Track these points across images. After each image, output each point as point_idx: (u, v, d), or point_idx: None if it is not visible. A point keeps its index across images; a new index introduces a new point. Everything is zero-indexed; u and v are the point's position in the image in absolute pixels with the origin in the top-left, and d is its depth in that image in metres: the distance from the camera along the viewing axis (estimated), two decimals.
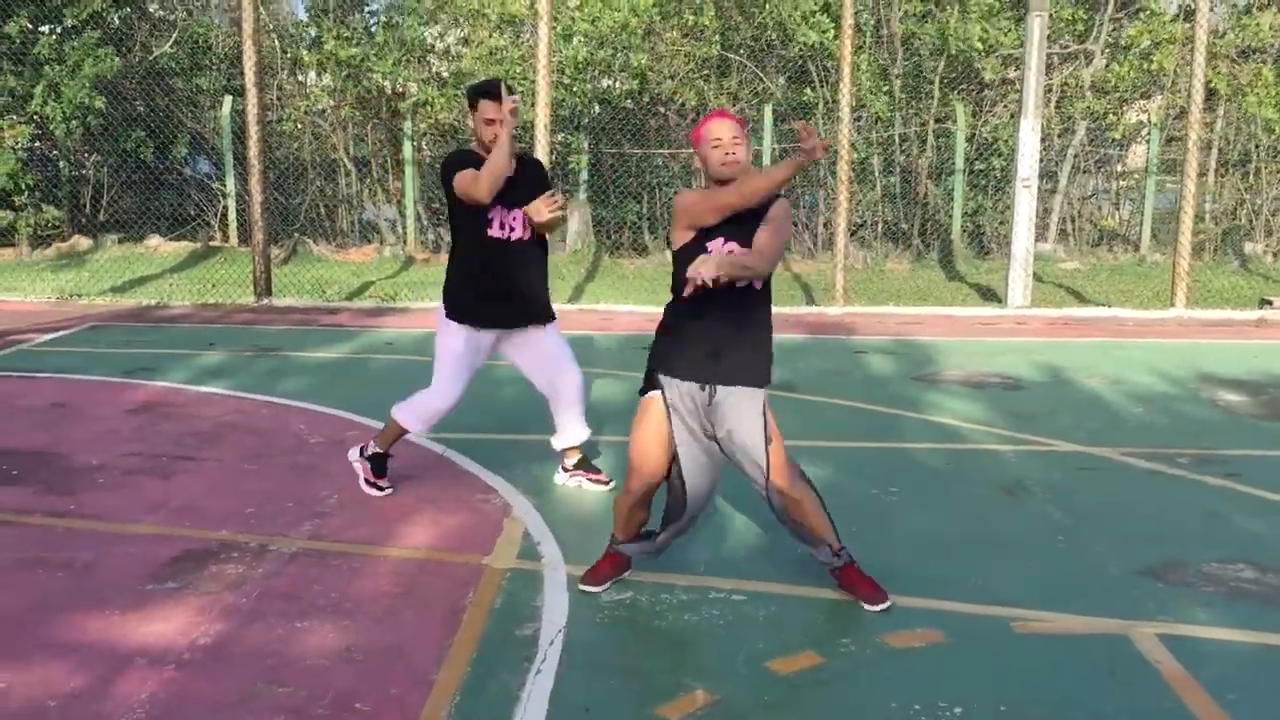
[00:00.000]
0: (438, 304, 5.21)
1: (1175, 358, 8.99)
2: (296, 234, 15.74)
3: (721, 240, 3.94)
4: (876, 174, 15.74)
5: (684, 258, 3.94)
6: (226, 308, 11.36)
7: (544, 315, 5.22)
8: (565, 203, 4.60)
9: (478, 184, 4.81)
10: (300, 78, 16.96)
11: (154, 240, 15.59)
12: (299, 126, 16.23)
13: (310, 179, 16.39)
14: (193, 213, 16.29)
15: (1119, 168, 16.83)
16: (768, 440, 3.92)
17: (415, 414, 5.16)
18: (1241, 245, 15.61)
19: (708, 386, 3.94)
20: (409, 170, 15.69)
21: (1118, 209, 16.89)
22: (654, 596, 4.16)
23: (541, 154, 11.07)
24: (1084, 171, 16.42)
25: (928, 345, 9.56)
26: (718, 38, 15.32)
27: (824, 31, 14.46)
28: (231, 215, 15.77)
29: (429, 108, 15.43)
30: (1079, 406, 7.25)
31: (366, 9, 17.45)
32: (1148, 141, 15.83)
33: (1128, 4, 15.85)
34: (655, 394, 4.01)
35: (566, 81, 14.64)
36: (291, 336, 9.63)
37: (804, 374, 8.20)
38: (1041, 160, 12.86)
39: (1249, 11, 15.65)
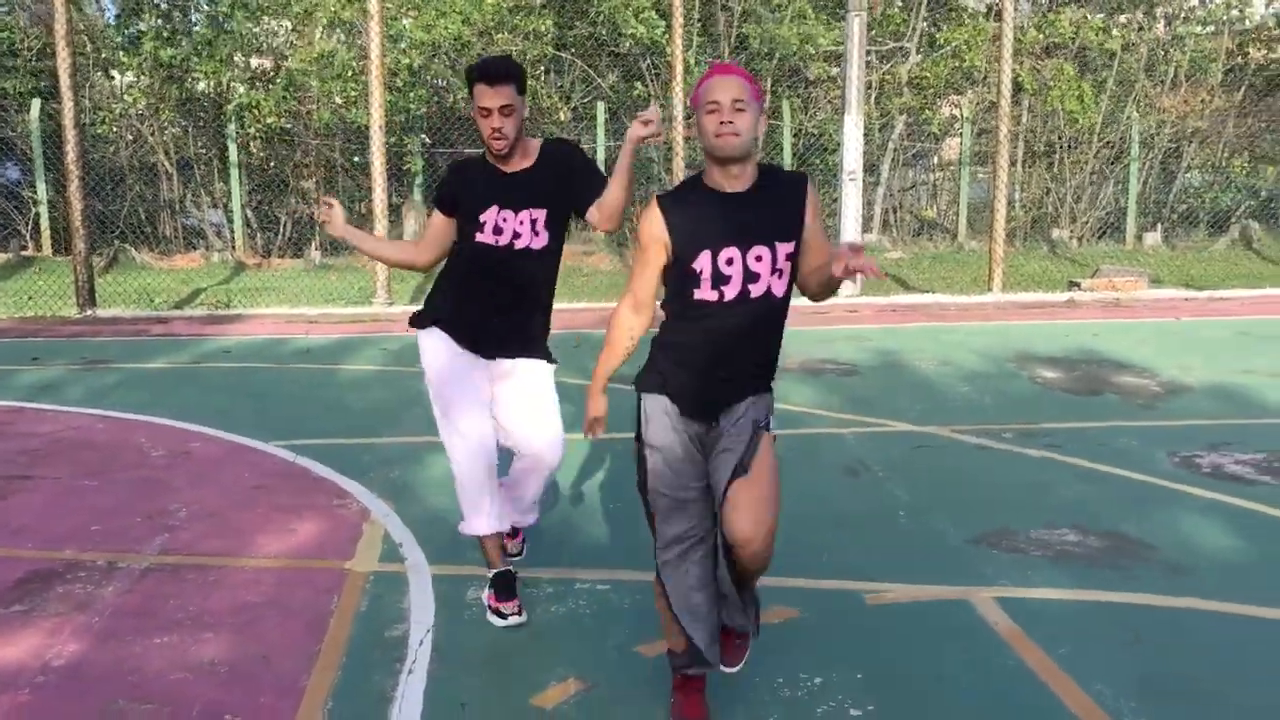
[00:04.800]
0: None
1: (995, 339, 9.50)
2: (117, 241, 15.12)
3: (724, 251, 3.06)
4: None
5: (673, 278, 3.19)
6: (48, 320, 10.85)
7: (539, 351, 4.09)
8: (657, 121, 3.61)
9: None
10: (115, 79, 16.29)
11: None
12: (115, 130, 15.58)
13: (129, 184, 15.76)
14: (1, 222, 15.46)
15: (935, 160, 17.62)
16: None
17: (461, 501, 4.11)
18: (1049, 232, 16.54)
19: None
20: (235, 173, 15.25)
21: (935, 200, 17.69)
22: (520, 591, 4.21)
23: (376, 155, 10.95)
24: (903, 164, 17.14)
25: None
26: (550, 36, 15.38)
27: (654, 27, 14.68)
28: (44, 223, 15.04)
29: (256, 110, 15.02)
30: (911, 388, 7.62)
31: (185, 6, 16.84)
32: (960, 135, 16.61)
33: (940, 3, 16.59)
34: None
35: (400, 85, 14.47)
36: (122, 348, 9.28)
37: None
38: (864, 154, 13.36)
39: (1050, 9, 16.59)
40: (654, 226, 3.11)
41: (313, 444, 6.13)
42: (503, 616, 3.99)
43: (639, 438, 3.22)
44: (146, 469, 5.79)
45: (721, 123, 3.00)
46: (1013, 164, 15.54)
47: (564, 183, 3.97)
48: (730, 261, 3.05)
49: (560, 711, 3.38)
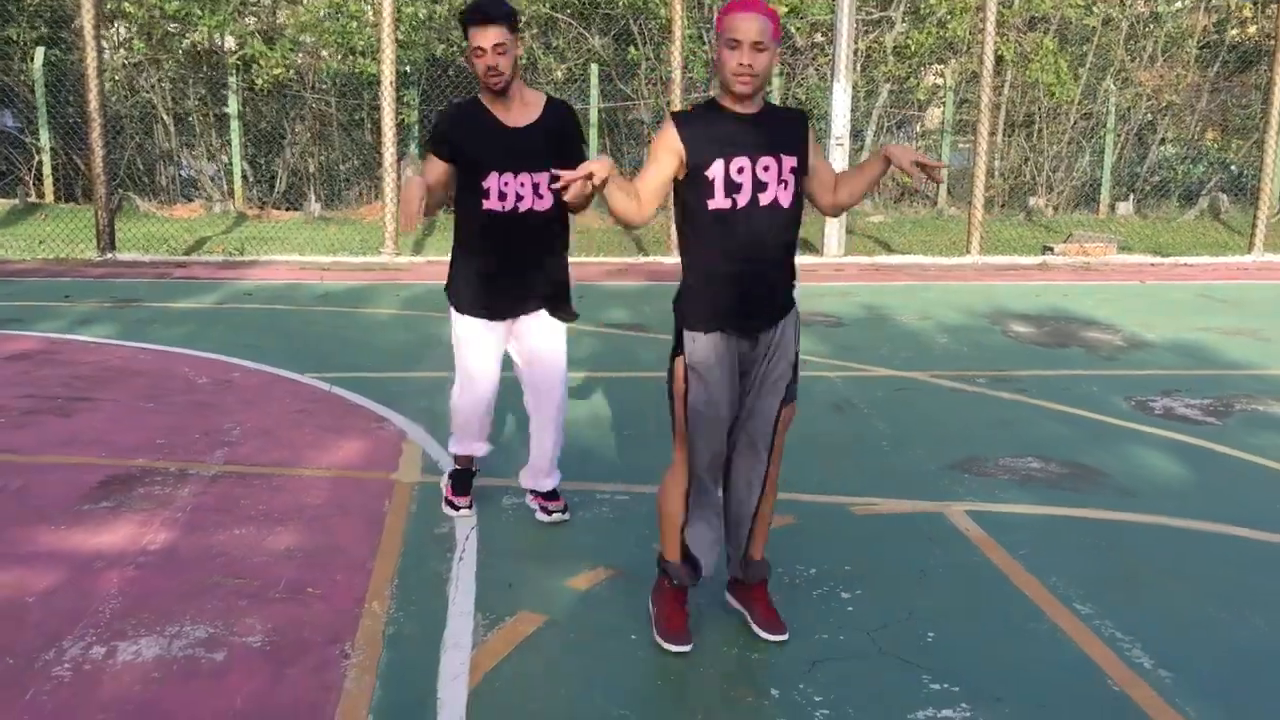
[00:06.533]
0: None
1: (972, 297, 10.10)
2: (119, 190, 15.49)
3: (729, 160, 3.30)
4: None
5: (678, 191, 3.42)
6: (72, 262, 11.30)
7: (555, 306, 4.32)
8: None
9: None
10: (113, 30, 16.58)
11: None
12: (115, 80, 15.92)
13: (129, 134, 16.11)
14: (2, 168, 15.79)
15: (918, 128, 18.16)
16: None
17: (455, 430, 4.57)
18: (1026, 200, 17.13)
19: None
20: (236, 125, 15.63)
21: None
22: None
23: (387, 110, 11.39)
24: (887, 131, 17.66)
25: None
26: None
27: None
28: (47, 170, 15.40)
29: (259, 63, 15.39)
30: (893, 339, 8.20)
31: None
32: (943, 104, 17.15)
33: None
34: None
35: (401, 38, 14.87)
36: (148, 288, 9.75)
37: (651, 315, 8.90)
38: (850, 121, 13.87)
39: None
40: (668, 138, 3.33)
41: (344, 376, 6.66)
42: (455, 509, 4.57)
43: (678, 354, 3.44)
44: (196, 394, 6.31)
45: (740, 63, 3.24)
46: (992, 134, 16.10)
47: (559, 148, 4.04)
48: (741, 170, 3.30)
49: (594, 592, 3.95)
